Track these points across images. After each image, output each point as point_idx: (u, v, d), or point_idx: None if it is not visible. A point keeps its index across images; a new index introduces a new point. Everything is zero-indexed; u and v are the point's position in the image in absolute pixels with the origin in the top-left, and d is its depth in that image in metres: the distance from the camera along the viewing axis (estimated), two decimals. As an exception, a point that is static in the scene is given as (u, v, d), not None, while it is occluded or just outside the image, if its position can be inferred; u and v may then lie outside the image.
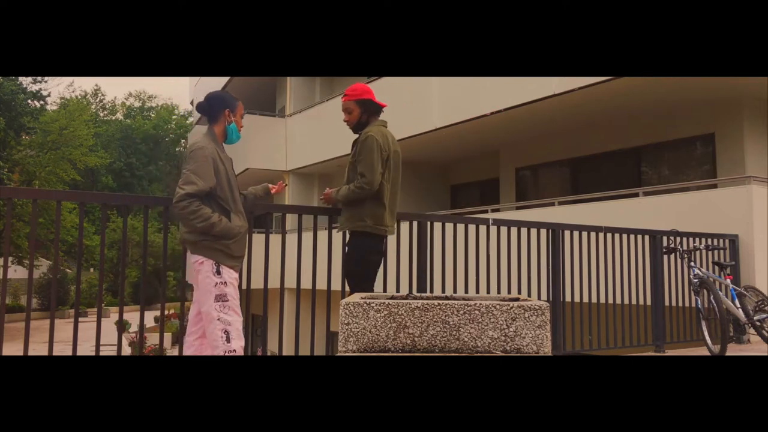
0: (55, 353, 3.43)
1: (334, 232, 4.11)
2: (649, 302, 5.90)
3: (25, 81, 25.16)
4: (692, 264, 5.52)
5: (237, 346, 3.11)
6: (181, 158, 48.11)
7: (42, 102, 26.72)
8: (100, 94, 53.81)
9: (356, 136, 3.88)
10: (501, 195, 11.94)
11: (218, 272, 3.15)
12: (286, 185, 3.88)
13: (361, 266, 3.76)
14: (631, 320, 5.74)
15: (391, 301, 2.12)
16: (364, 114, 3.86)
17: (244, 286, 3.69)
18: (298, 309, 4.06)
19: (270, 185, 3.83)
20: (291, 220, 11.90)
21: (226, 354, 3.09)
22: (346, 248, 3.88)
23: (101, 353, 3.93)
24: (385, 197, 3.76)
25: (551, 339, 2.65)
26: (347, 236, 3.89)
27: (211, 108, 3.41)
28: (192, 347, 3.28)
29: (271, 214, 4.25)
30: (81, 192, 3.77)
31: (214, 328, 3.11)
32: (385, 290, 4.08)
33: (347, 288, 3.92)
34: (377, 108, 3.88)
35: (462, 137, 11.08)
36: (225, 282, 3.15)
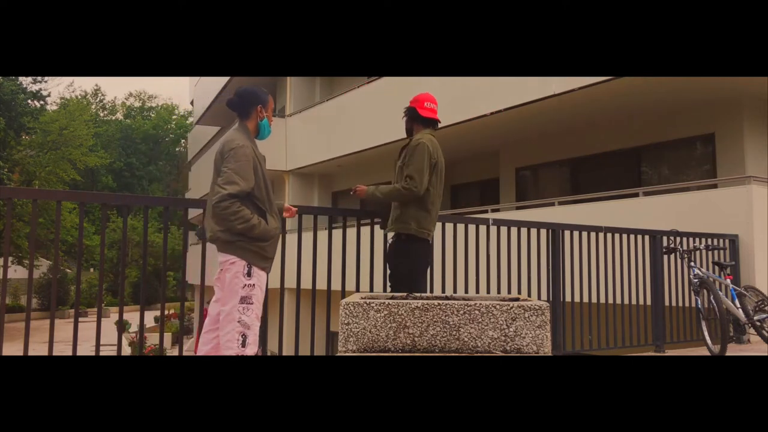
0: (55, 353, 3.44)
1: (333, 232, 4.12)
2: (649, 302, 5.89)
3: (25, 81, 25.15)
4: (692, 264, 5.52)
5: (251, 352, 3.04)
6: (181, 158, 48.07)
7: (42, 102, 26.72)
8: (100, 94, 53.82)
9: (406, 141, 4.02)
10: (501, 195, 11.93)
11: (249, 274, 3.08)
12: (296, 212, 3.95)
13: (408, 269, 3.81)
14: (631, 320, 5.74)
15: (391, 301, 2.12)
16: (408, 120, 4.13)
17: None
18: (298, 309, 4.06)
19: (284, 206, 3.79)
20: (291, 220, 11.90)
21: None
22: (389, 250, 3.94)
23: (101, 353, 3.94)
24: (430, 203, 3.86)
25: (551, 339, 2.65)
26: (389, 238, 3.96)
27: (242, 104, 3.28)
28: (210, 344, 3.20)
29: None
30: (81, 192, 3.77)
31: (232, 329, 3.03)
32: (385, 290, 4.09)
33: (387, 289, 3.95)
34: (420, 117, 4.07)
35: (462, 137, 11.06)
36: (253, 285, 3.09)
